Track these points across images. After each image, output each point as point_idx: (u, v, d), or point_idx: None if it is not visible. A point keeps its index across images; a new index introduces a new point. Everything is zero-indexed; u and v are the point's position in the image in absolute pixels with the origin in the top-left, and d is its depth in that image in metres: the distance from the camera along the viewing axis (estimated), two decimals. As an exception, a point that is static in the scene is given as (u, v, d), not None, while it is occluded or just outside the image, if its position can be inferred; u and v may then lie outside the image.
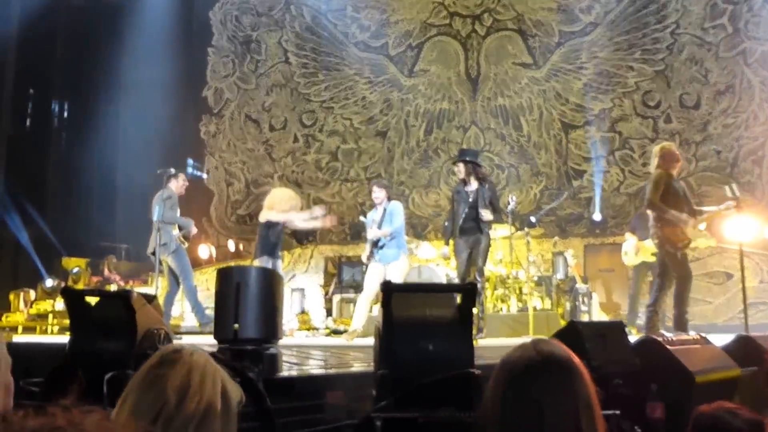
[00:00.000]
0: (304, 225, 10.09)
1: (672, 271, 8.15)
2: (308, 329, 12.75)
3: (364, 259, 10.18)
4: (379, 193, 10.07)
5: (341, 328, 11.72)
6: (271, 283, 3.99)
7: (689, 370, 4.21)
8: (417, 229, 14.07)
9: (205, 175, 15.22)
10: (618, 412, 3.16)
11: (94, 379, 3.29)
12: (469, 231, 9.43)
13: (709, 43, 13.82)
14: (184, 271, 9.58)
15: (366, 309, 9.91)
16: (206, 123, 16.06)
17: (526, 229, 11.71)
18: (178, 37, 15.71)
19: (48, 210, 14.91)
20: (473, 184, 9.52)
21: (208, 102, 16.16)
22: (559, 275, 12.16)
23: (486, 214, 9.29)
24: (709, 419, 2.38)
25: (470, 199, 9.47)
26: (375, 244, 9.82)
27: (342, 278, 12.99)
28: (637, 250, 10.61)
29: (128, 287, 13.01)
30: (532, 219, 12.04)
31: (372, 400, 3.67)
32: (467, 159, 9.74)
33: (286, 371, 4.32)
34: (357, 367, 5.02)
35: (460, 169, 9.64)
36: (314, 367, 5.20)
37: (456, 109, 15.11)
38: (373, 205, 10.25)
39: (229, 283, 3.88)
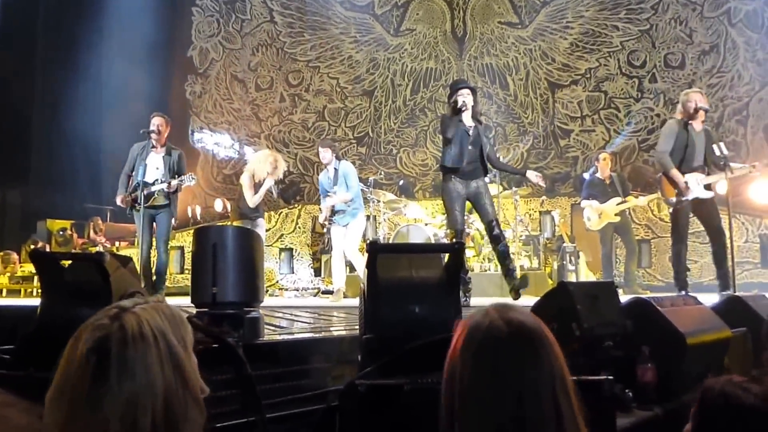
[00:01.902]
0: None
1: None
2: (296, 290, 12.66)
3: (321, 221, 10.28)
4: (325, 154, 10.01)
5: (331, 287, 11.61)
6: (250, 243, 3.81)
7: (681, 331, 4.07)
8: (405, 188, 13.94)
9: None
10: (611, 377, 2.99)
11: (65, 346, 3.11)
12: (471, 174, 7.82)
13: (693, 3, 13.70)
14: None
15: (341, 267, 10.03)
16: (192, 83, 15.80)
17: (514, 188, 11.62)
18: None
19: (33, 173, 14.67)
20: (471, 121, 7.83)
21: (193, 62, 15.89)
22: (547, 234, 12.08)
23: (532, 177, 8.29)
24: (720, 396, 2.20)
25: (470, 136, 7.78)
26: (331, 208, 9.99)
27: (330, 238, 12.81)
28: (599, 213, 10.52)
29: (114, 249, 12.87)
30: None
31: (358, 365, 3.53)
32: (473, 87, 8.11)
33: (269, 336, 4.14)
34: (343, 330, 4.86)
35: (467, 98, 7.79)
36: (299, 331, 5.04)
37: (442, 68, 14.94)
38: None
39: (205, 244, 3.69)
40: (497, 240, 7.75)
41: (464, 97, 7.73)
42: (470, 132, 7.75)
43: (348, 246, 9.76)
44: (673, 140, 8.11)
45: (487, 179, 8.13)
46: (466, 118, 7.77)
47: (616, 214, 10.44)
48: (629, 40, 14.00)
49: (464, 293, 7.26)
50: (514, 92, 14.48)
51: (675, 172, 7.99)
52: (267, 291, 12.21)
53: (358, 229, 9.95)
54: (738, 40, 13.33)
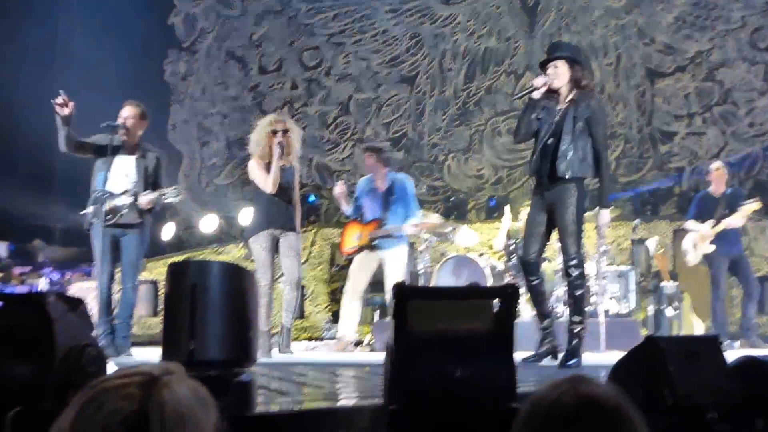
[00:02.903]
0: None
1: None
2: (308, 338, 12.74)
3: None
4: (369, 160, 10.24)
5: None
6: (241, 284, 3.83)
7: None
8: (454, 207, 13.99)
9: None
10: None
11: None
12: (543, 179, 7.49)
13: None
14: None
15: (355, 309, 10.18)
16: (173, 61, 15.88)
17: (597, 208, 11.60)
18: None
19: None
20: (568, 96, 7.43)
21: (176, 33, 15.94)
22: (640, 270, 12.07)
23: (564, 166, 7.32)
24: None
25: (553, 121, 7.44)
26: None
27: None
28: (695, 242, 10.55)
29: (65, 282, 12.93)
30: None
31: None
32: (567, 56, 7.56)
33: (264, 405, 4.18)
34: (363, 397, 4.89)
35: (558, 75, 7.43)
36: (304, 398, 5.08)
37: (507, 48, 15.04)
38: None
39: (181, 284, 3.71)
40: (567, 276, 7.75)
41: (555, 76, 7.56)
42: (556, 116, 7.61)
43: (389, 279, 9.86)
44: None
45: None
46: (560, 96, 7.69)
47: (711, 242, 10.55)
48: (753, 15, 13.98)
49: None
50: (601, 82, 14.48)
51: None
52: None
53: (403, 259, 10.11)
54: None
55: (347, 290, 10.26)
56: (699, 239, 10.56)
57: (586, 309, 10.71)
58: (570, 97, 7.37)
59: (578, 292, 7.49)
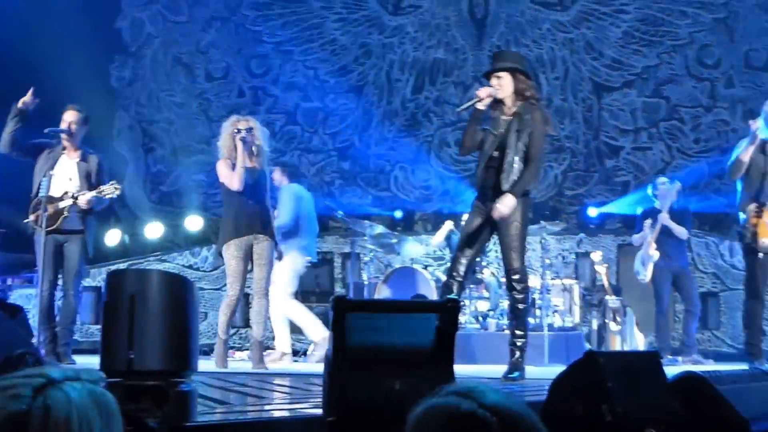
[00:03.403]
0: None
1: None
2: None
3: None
4: (276, 174, 10.59)
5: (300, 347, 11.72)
6: (181, 293, 3.84)
7: (744, 417, 4.15)
8: (401, 218, 14.04)
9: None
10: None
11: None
12: (487, 190, 7.50)
13: (786, -17, 13.87)
14: None
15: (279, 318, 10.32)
16: (119, 66, 15.77)
17: (542, 222, 11.71)
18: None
19: None
20: (512, 108, 7.46)
21: (122, 37, 15.83)
22: (584, 284, 12.17)
23: (501, 206, 7.24)
24: None
25: (498, 133, 7.45)
26: None
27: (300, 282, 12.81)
28: (643, 259, 10.73)
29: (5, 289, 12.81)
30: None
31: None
32: (511, 67, 7.56)
33: (204, 415, 4.19)
34: (303, 408, 4.92)
35: (502, 86, 7.46)
36: (247, 408, 5.10)
37: (455, 59, 15.07)
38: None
39: (120, 294, 3.72)
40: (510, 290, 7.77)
41: (500, 88, 7.58)
42: (501, 127, 7.62)
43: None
44: (743, 166, 8.31)
45: None
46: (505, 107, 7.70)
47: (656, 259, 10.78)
48: (701, 32, 14.15)
49: None
50: (549, 95, 14.57)
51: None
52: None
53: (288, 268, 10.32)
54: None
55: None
56: (646, 257, 10.66)
57: (531, 322, 10.86)
58: (514, 109, 7.43)
59: (521, 306, 7.54)
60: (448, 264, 7.94)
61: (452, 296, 7.26)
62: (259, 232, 8.84)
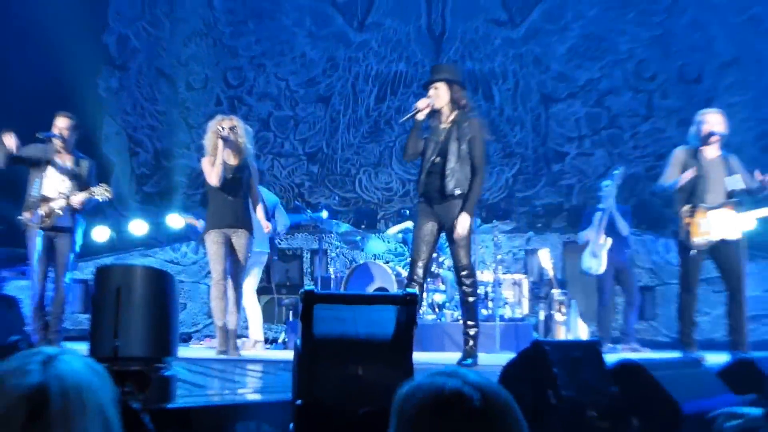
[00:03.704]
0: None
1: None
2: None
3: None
4: None
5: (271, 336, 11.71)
6: (162, 287, 3.86)
7: (675, 400, 4.19)
8: (365, 217, 14.03)
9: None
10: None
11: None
12: (432, 194, 7.58)
13: (715, 6, 13.96)
14: None
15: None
16: (107, 77, 15.66)
17: (494, 221, 11.74)
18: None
19: None
20: (450, 116, 7.58)
21: (109, 51, 15.73)
22: (533, 278, 12.20)
23: (459, 227, 7.38)
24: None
25: (439, 141, 7.56)
26: None
27: (272, 275, 12.78)
28: (594, 252, 10.76)
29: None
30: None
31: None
32: (447, 79, 7.66)
33: (184, 398, 4.19)
34: (275, 392, 4.92)
35: (439, 97, 7.57)
36: (222, 392, 5.09)
37: (415, 72, 15.07)
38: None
39: (107, 287, 3.73)
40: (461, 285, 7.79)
41: (437, 98, 7.69)
42: (442, 135, 7.70)
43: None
44: (677, 171, 8.40)
45: None
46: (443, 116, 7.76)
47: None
48: (638, 47, 14.24)
49: None
50: (501, 105, 14.63)
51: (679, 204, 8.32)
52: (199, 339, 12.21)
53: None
54: (764, 52, 13.63)
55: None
56: (597, 248, 10.70)
57: (484, 313, 10.89)
58: (452, 117, 7.52)
59: (471, 299, 7.57)
60: (408, 261, 7.91)
61: (411, 290, 7.31)
62: (237, 226, 8.76)
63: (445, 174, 7.39)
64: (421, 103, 7.49)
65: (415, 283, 7.47)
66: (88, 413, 1.63)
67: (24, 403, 1.57)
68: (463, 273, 7.52)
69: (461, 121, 7.47)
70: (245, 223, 8.85)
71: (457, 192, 7.37)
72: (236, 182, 8.78)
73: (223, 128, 8.66)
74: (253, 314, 10.20)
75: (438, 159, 7.45)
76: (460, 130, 7.43)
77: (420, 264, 7.51)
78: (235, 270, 8.82)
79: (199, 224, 11.01)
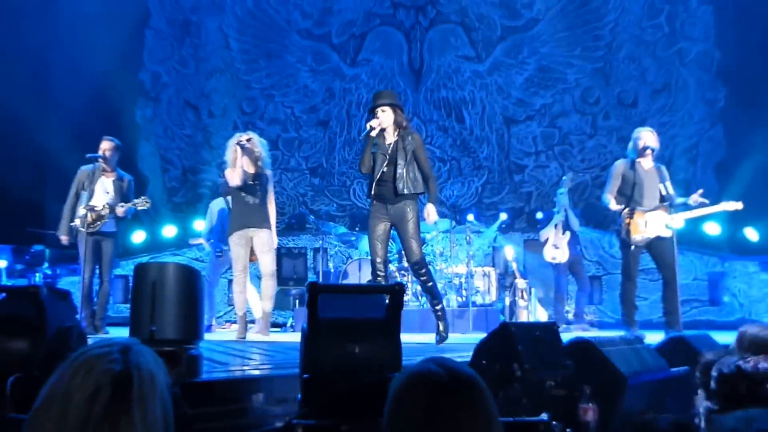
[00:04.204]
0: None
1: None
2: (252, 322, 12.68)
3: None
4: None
5: (280, 321, 11.70)
6: (190, 281, 3.85)
7: (621, 371, 4.19)
8: (358, 221, 14.00)
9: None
10: (545, 418, 3.06)
11: (-2, 381, 3.11)
12: (386, 196, 7.61)
13: (646, 42, 14.06)
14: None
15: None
16: (142, 107, 15.63)
17: (467, 223, 11.76)
18: (114, 19, 15.08)
19: None
20: (394, 134, 7.65)
21: (144, 85, 15.72)
22: (499, 270, 12.20)
23: (431, 214, 7.61)
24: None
25: (389, 152, 7.59)
26: None
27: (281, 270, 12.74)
28: (555, 244, 10.75)
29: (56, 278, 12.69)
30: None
31: (298, 405, 3.57)
32: (391, 103, 7.69)
33: (209, 373, 4.16)
34: (286, 368, 4.89)
35: (386, 117, 7.59)
36: (241, 368, 5.06)
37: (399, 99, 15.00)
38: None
39: (145, 281, 3.73)
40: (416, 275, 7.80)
41: (384, 121, 7.68)
42: (389, 149, 7.70)
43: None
44: (618, 181, 8.45)
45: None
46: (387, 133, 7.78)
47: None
48: (584, 77, 14.28)
49: None
50: (470, 126, 14.63)
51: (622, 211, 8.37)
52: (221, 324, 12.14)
53: None
54: (689, 80, 13.74)
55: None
56: (557, 241, 10.68)
57: (459, 300, 10.88)
58: (395, 135, 7.59)
59: (429, 284, 7.64)
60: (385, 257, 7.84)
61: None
62: (257, 226, 8.62)
63: (396, 178, 7.47)
64: (374, 123, 7.53)
65: (381, 278, 7.48)
66: (156, 397, 1.66)
67: (110, 385, 1.61)
68: (416, 265, 7.57)
69: (405, 136, 7.57)
70: (263, 222, 8.69)
71: (407, 192, 7.45)
72: (254, 187, 8.65)
73: (240, 142, 8.58)
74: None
75: (386, 169, 7.53)
76: (405, 142, 7.53)
77: (379, 260, 7.52)
78: (266, 261, 8.65)
79: (207, 245, 11.32)
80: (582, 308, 11.06)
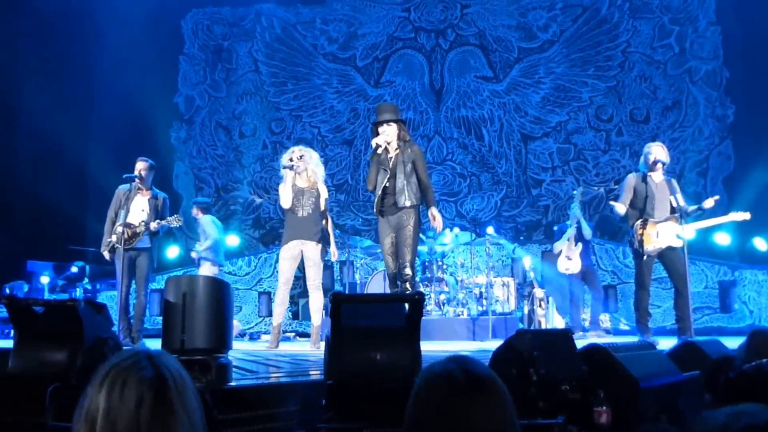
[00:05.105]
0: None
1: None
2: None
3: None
4: (194, 209, 11.42)
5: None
6: (220, 293, 3.86)
7: (634, 376, 4.15)
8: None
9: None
10: (561, 420, 3.05)
11: (37, 390, 3.14)
12: (389, 209, 7.68)
13: (657, 62, 14.06)
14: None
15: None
16: (177, 129, 15.76)
17: (487, 235, 11.74)
18: (150, 45, 15.28)
19: (16, 213, 14.08)
20: (396, 148, 7.69)
21: (179, 108, 15.86)
22: (518, 280, 12.16)
23: (437, 218, 7.62)
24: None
25: (390, 166, 7.64)
26: None
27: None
28: (569, 255, 10.69)
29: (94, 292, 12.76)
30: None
31: (323, 410, 3.57)
32: (396, 119, 7.78)
33: (238, 381, 4.17)
34: (311, 375, 4.89)
35: (390, 132, 7.68)
36: (268, 376, 5.07)
37: (420, 119, 15.04)
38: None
39: (176, 293, 3.74)
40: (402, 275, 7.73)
41: (388, 135, 7.72)
42: (390, 163, 7.73)
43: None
44: (630, 193, 8.42)
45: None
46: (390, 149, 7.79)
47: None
48: (597, 96, 14.24)
49: None
50: (489, 143, 14.62)
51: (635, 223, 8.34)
52: (246, 335, 12.16)
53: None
54: (698, 97, 13.72)
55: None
56: (569, 252, 10.64)
57: (480, 309, 10.83)
58: (397, 149, 7.63)
59: (409, 286, 7.56)
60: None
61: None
62: (305, 238, 8.39)
63: (396, 191, 7.52)
64: (380, 140, 7.56)
65: (402, 288, 7.52)
66: (189, 390, 1.74)
67: (150, 390, 1.66)
68: (405, 266, 7.52)
69: (405, 149, 7.60)
70: (313, 235, 8.43)
71: (407, 204, 7.50)
72: (307, 201, 8.47)
73: (291, 159, 8.43)
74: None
75: (389, 183, 7.58)
76: (405, 155, 7.57)
77: (393, 267, 7.64)
78: (311, 275, 8.43)
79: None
80: (597, 316, 11.00)
